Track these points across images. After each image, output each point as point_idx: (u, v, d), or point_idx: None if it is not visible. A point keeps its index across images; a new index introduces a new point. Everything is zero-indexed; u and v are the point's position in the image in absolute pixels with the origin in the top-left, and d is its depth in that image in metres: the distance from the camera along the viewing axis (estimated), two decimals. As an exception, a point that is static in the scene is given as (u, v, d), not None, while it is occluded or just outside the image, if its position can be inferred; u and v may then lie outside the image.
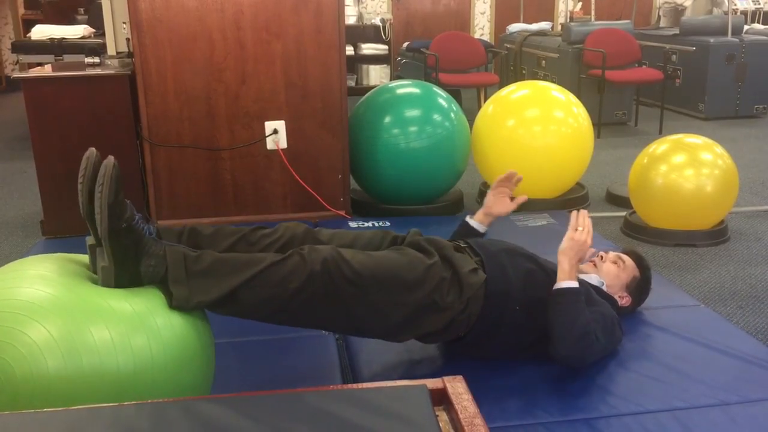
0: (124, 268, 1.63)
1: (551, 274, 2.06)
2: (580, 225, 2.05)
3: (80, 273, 1.68)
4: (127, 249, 1.63)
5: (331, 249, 1.81)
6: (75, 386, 1.46)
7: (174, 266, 1.68)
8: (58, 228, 3.45)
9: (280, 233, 1.95)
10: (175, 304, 1.65)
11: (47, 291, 1.54)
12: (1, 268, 1.68)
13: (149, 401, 1.31)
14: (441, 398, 1.31)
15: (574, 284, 1.99)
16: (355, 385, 1.41)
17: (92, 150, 1.69)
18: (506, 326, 2.01)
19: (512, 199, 2.38)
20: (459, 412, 1.24)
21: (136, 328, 1.54)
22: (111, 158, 1.62)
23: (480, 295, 1.95)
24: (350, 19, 8.47)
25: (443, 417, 1.28)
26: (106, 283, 1.62)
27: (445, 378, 1.34)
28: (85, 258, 1.76)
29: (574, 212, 2.09)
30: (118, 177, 1.61)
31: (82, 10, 7.93)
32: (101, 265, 1.63)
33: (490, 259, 2.03)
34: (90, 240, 1.70)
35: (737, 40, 6.65)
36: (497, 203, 2.36)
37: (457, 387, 1.31)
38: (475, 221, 2.37)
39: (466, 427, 1.20)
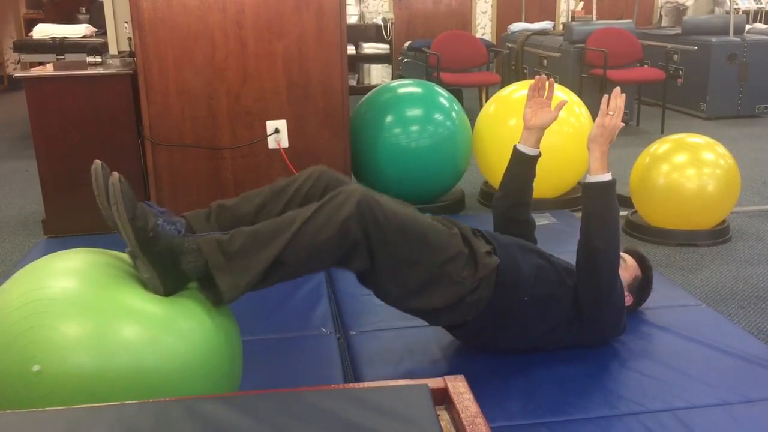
0: (166, 273, 1.63)
1: (562, 272, 2.08)
2: (612, 109, 2.03)
3: (115, 268, 1.66)
4: (161, 255, 1.63)
5: (364, 190, 1.79)
6: (106, 384, 1.46)
7: (212, 255, 1.66)
8: (60, 227, 3.45)
9: (305, 177, 1.93)
10: (226, 297, 1.65)
11: (78, 287, 1.54)
12: (33, 263, 1.68)
13: (151, 400, 1.31)
14: (442, 398, 1.31)
15: (608, 176, 2.01)
16: (356, 385, 1.41)
17: (97, 163, 1.68)
18: (513, 317, 2.01)
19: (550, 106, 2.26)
20: (460, 412, 1.24)
21: (166, 329, 1.54)
22: (116, 175, 1.62)
23: (491, 280, 1.95)
24: (352, 19, 8.47)
25: (445, 416, 1.28)
26: (155, 292, 1.63)
27: (447, 377, 1.34)
28: (122, 254, 1.75)
29: (606, 95, 2.04)
30: (128, 191, 1.62)
31: (83, 9, 7.94)
32: (144, 276, 1.63)
33: (502, 248, 2.03)
34: (127, 248, 1.69)
35: (739, 39, 6.64)
36: (536, 115, 2.23)
37: (458, 386, 1.31)
38: (523, 146, 2.25)
39: (467, 427, 1.20)
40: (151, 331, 1.53)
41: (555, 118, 2.24)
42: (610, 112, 2.03)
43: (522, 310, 2.00)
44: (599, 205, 2.02)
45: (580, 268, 2.05)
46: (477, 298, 1.93)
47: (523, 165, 2.26)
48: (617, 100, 2.04)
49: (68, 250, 1.71)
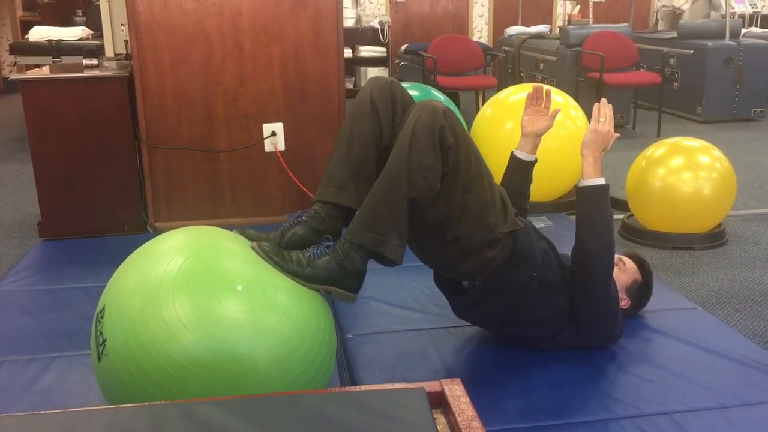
0: (343, 281, 1.80)
1: (564, 267, 2.11)
2: (603, 116, 2.08)
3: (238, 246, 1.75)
4: (329, 273, 1.78)
5: (440, 102, 1.86)
6: (211, 370, 1.53)
7: (364, 241, 1.79)
8: (56, 230, 3.44)
9: (377, 98, 1.95)
10: (398, 259, 1.81)
11: (184, 265, 1.61)
12: (146, 244, 1.77)
13: (146, 404, 1.31)
14: (439, 401, 1.31)
15: (601, 181, 2.05)
16: (352, 388, 1.41)
17: (253, 245, 1.79)
18: (517, 289, 2.03)
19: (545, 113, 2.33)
20: (457, 415, 1.24)
21: (268, 310, 1.62)
22: (254, 246, 1.77)
23: (508, 245, 1.98)
24: (348, 22, 8.47)
25: (441, 420, 1.28)
26: (350, 302, 1.85)
27: (443, 381, 1.34)
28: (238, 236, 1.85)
29: (596, 104, 2.11)
30: (270, 250, 1.76)
31: (80, 11, 7.93)
32: (333, 297, 1.81)
33: (522, 222, 2.05)
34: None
35: (735, 43, 6.66)
36: (533, 122, 2.31)
37: (455, 390, 1.31)
38: (520, 152, 2.33)
39: (464, 430, 1.20)
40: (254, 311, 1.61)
41: (550, 126, 2.32)
42: (602, 119, 2.07)
43: (526, 286, 2.03)
44: (592, 210, 2.05)
45: (575, 272, 2.07)
46: (494, 255, 1.95)
47: (519, 171, 2.32)
48: (605, 108, 2.09)
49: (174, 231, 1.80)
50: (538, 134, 2.31)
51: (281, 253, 1.77)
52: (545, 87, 2.35)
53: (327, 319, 1.79)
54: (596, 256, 2.02)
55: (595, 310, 2.08)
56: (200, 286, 1.58)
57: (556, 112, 2.30)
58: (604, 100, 2.11)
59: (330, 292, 1.79)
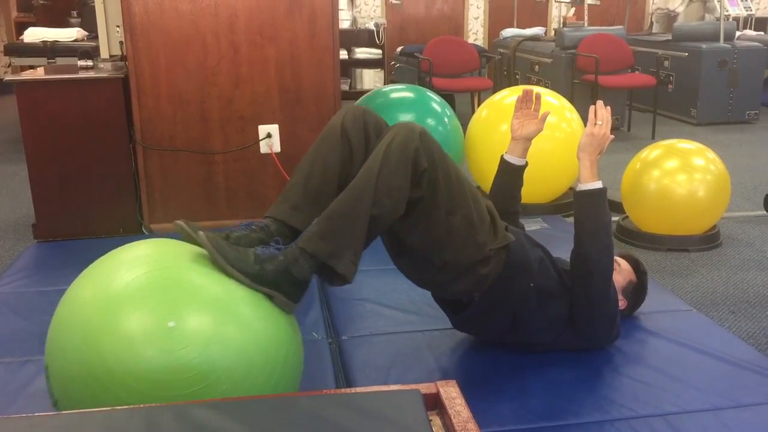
0: (286, 288, 1.69)
1: (562, 272, 2.11)
2: (600, 119, 2.07)
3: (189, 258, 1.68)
4: (275, 276, 1.67)
5: (417, 124, 1.83)
6: (169, 378, 1.46)
7: (317, 250, 1.71)
8: (50, 231, 3.43)
9: (348, 124, 1.93)
10: (348, 276, 1.73)
11: (142, 277, 1.56)
12: (104, 256, 1.70)
13: (141, 405, 1.30)
14: (434, 403, 1.31)
15: (598, 184, 2.04)
16: (348, 390, 1.41)
17: (179, 223, 1.70)
18: (515, 302, 2.02)
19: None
20: (452, 417, 1.24)
21: (225, 320, 1.56)
22: (202, 234, 1.66)
23: (502, 258, 1.97)
24: (344, 23, 8.48)
25: (437, 421, 1.28)
26: (287, 310, 1.71)
27: (439, 382, 1.34)
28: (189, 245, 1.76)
29: (592, 106, 2.09)
30: (218, 241, 1.66)
31: (75, 12, 7.90)
32: (274, 301, 1.68)
33: (514, 233, 2.06)
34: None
35: (729, 46, 6.68)
36: (523, 125, 2.29)
37: (450, 391, 1.31)
38: (510, 156, 2.31)
39: (459, 432, 1.20)
40: (213, 321, 1.55)
41: (540, 130, 2.30)
42: (599, 122, 2.06)
43: (525, 297, 2.02)
44: (590, 213, 2.05)
45: (574, 275, 2.07)
46: (488, 272, 1.94)
47: (510, 175, 2.31)
48: (602, 110, 2.08)
49: (133, 243, 1.74)
50: (529, 138, 2.30)
51: (230, 245, 1.68)
52: (535, 90, 2.34)
53: (291, 333, 1.73)
54: (596, 259, 2.02)
55: (595, 313, 2.08)
56: (161, 299, 1.53)
57: (546, 114, 2.29)
58: (600, 102, 2.11)
59: (271, 297, 1.68)
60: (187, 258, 1.66)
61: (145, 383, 1.45)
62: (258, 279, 1.65)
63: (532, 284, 2.02)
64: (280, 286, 1.68)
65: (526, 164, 2.32)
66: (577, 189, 2.07)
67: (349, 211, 1.74)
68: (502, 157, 2.34)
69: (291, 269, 1.69)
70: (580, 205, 2.07)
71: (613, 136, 2.11)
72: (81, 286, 1.64)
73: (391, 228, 1.93)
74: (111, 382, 1.45)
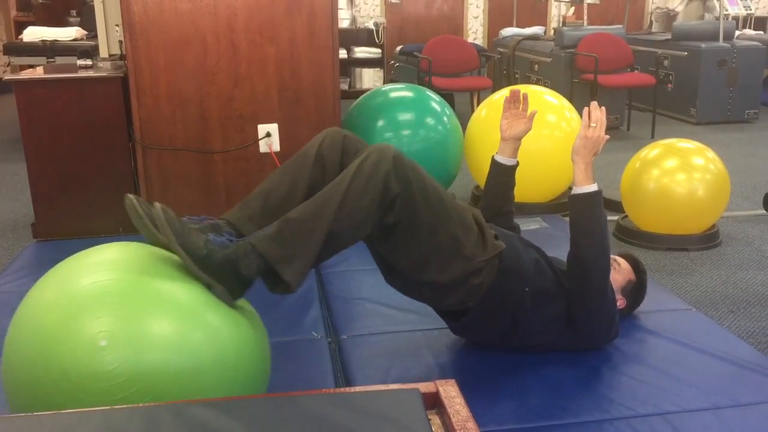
0: (229, 282, 1.65)
1: (558, 273, 2.10)
2: (594, 120, 2.04)
3: (151, 262, 1.65)
4: (220, 266, 1.64)
5: (392, 147, 1.81)
6: (136, 383, 1.44)
7: (268, 251, 1.67)
8: (49, 231, 3.43)
9: (323, 144, 1.92)
10: (293, 285, 1.68)
11: (108, 282, 1.53)
12: (68, 258, 1.68)
13: (140, 405, 1.30)
14: (434, 402, 1.31)
15: (593, 187, 2.03)
16: (347, 389, 1.41)
17: (130, 197, 1.66)
18: (512, 307, 2.02)
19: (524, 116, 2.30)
20: (451, 416, 1.24)
21: (193, 325, 1.54)
22: (158, 206, 1.63)
23: (495, 266, 1.96)
24: (344, 23, 8.47)
25: (436, 421, 1.28)
26: (226, 302, 1.64)
27: (438, 382, 1.34)
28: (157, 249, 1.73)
29: (587, 108, 2.07)
30: (172, 218, 1.63)
31: (74, 12, 7.89)
32: (213, 291, 1.64)
33: (505, 238, 2.05)
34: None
35: (729, 45, 6.68)
36: (512, 126, 2.28)
37: (449, 391, 1.31)
38: (501, 156, 2.30)
39: (458, 431, 1.20)
40: (179, 327, 1.52)
41: (529, 129, 2.29)
42: (593, 124, 2.05)
43: (521, 301, 2.02)
44: (585, 216, 2.04)
45: (571, 276, 2.07)
46: (480, 281, 1.94)
47: (501, 175, 2.31)
48: (596, 112, 2.06)
49: (100, 246, 1.72)
50: (518, 138, 2.29)
51: (183, 224, 1.64)
52: (522, 90, 2.33)
53: (259, 340, 1.70)
54: (592, 261, 2.02)
55: (593, 313, 2.08)
56: (126, 303, 1.51)
57: (534, 113, 2.29)
58: (594, 103, 2.08)
59: (211, 287, 1.63)
60: (151, 262, 1.63)
61: (97, 387, 1.42)
62: (203, 264, 1.61)
63: (527, 288, 2.02)
64: (224, 278, 1.63)
65: (517, 164, 2.32)
66: (572, 192, 2.06)
67: (310, 220, 1.71)
68: (492, 158, 2.33)
69: (239, 263, 1.65)
70: (576, 208, 2.06)
71: (608, 137, 2.09)
72: (41, 288, 1.62)
73: (378, 252, 1.95)
74: (66, 386, 1.42)
